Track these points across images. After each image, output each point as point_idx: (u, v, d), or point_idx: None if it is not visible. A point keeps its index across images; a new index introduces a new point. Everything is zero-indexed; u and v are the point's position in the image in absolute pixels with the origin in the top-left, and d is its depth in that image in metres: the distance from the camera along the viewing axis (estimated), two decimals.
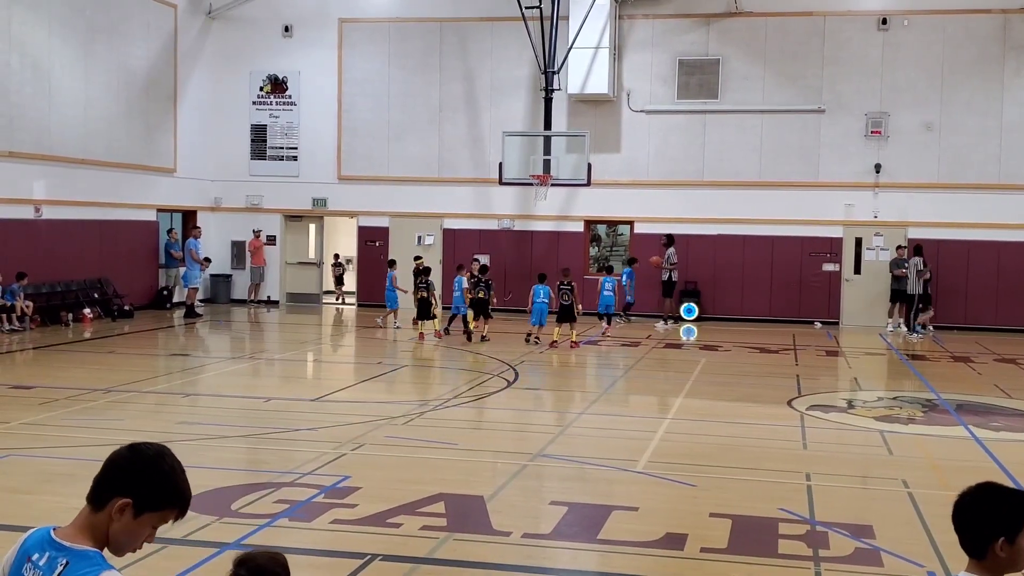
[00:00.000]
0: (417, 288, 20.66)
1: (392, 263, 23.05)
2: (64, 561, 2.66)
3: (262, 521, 7.95)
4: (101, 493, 2.73)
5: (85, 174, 22.66)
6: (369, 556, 7.18)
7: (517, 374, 16.25)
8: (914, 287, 23.14)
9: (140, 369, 16.30)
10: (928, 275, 23.13)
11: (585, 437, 11.71)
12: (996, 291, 24.08)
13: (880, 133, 24.62)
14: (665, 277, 24.16)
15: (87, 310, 22.04)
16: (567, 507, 8.58)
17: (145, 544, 2.82)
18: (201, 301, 26.30)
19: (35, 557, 2.70)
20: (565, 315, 19.76)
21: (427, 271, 21.24)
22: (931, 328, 23.51)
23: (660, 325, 23.75)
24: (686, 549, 7.55)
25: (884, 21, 24.62)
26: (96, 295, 22.85)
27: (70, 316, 21.69)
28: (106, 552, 2.75)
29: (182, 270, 25.32)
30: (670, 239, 24.29)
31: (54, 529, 2.75)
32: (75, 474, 9.13)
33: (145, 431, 10.77)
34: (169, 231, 25.57)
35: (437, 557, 7.27)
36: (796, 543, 7.73)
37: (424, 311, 20.46)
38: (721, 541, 7.72)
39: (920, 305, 23.19)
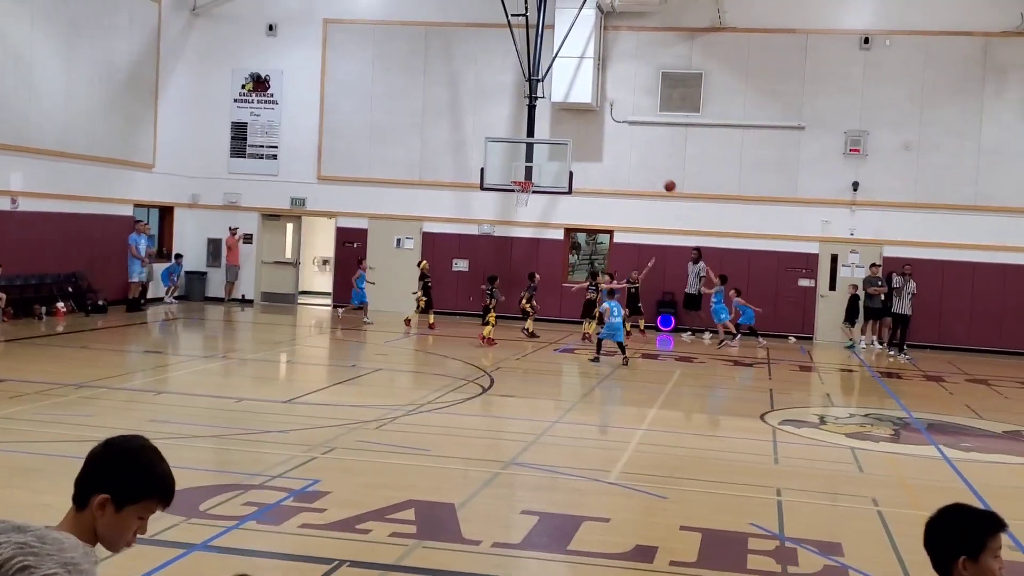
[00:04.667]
0: (424, 290, 22.84)
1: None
2: None
3: (230, 523, 7.89)
4: (82, 492, 2.75)
5: (63, 167, 22.46)
6: (337, 562, 7.14)
7: (492, 381, 16.23)
8: (899, 306, 23.24)
9: (112, 365, 16.18)
10: (906, 290, 23.32)
11: (558, 446, 11.70)
12: (970, 311, 24.27)
13: (859, 151, 24.78)
14: (693, 291, 24.04)
15: (60, 304, 21.84)
16: (538, 517, 8.57)
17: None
18: (176, 298, 26.17)
19: None
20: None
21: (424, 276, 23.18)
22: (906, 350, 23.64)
23: (707, 337, 24.06)
24: (655, 562, 7.56)
25: (866, 40, 24.80)
26: (70, 289, 22.66)
27: (43, 309, 21.48)
28: (100, 548, 2.76)
29: (156, 267, 25.20)
30: (699, 252, 24.21)
31: None
32: (44, 469, 9.05)
33: (115, 428, 10.66)
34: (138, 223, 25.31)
35: (405, 564, 7.24)
36: (765, 558, 7.75)
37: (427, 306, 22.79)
38: (691, 555, 7.73)
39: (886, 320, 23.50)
